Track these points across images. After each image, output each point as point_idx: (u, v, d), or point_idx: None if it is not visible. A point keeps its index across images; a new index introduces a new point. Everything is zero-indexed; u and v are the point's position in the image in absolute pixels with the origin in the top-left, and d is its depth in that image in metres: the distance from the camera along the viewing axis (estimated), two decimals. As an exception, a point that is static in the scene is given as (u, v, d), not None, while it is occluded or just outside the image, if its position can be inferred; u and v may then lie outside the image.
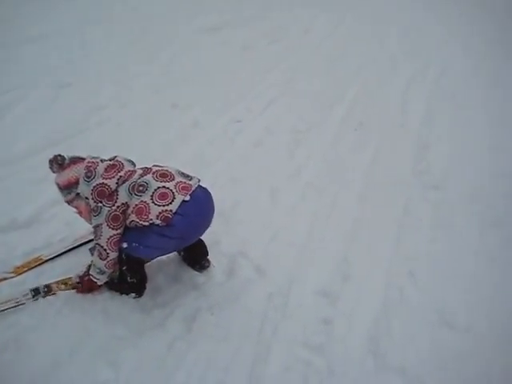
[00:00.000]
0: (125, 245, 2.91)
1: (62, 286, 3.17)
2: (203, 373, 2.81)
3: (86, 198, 2.92)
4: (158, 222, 2.80)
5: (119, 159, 3.06)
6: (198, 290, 3.29)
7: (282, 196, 4.29)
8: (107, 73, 6.10)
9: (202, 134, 5.11)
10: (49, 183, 4.03)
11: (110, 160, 3.05)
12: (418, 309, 3.32)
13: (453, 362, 2.98)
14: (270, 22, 8.17)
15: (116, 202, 2.87)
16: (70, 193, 2.97)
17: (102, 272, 3.01)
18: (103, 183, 2.88)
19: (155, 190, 2.85)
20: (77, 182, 2.92)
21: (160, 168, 3.06)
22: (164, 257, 3.35)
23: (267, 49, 7.24)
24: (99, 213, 2.87)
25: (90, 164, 2.95)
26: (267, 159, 4.80)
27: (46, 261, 3.41)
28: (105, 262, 2.94)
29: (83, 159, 2.98)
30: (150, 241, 2.87)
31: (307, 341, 3.02)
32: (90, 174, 2.91)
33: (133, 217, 2.85)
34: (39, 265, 3.37)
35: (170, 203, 2.83)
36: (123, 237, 2.92)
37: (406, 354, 3.01)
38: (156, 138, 4.98)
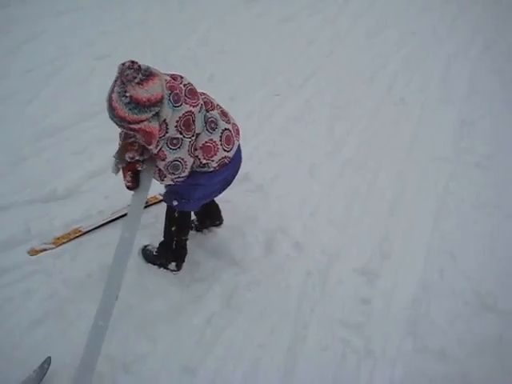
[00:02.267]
0: (175, 202, 2.89)
1: None
2: (240, 348, 2.82)
3: (165, 121, 2.46)
4: (216, 165, 2.76)
5: (190, 81, 2.71)
6: (236, 266, 3.27)
7: (322, 171, 4.23)
8: (144, 45, 6.05)
9: (240, 108, 5.00)
10: (87, 155, 4.12)
11: (181, 80, 2.65)
12: (458, 291, 3.27)
13: (493, 347, 2.94)
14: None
15: (194, 132, 2.60)
16: (147, 111, 2.34)
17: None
18: (190, 111, 2.54)
19: (222, 131, 2.74)
20: (160, 101, 2.38)
21: (217, 103, 2.88)
22: (202, 234, 3.42)
23: (307, 21, 7.08)
24: (180, 145, 2.55)
25: (173, 85, 2.49)
26: (306, 134, 4.73)
27: (85, 233, 3.43)
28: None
29: (156, 75, 2.38)
30: (197, 193, 2.86)
31: (345, 320, 3.01)
32: (176, 98, 2.47)
33: (198, 152, 2.68)
34: (78, 236, 3.39)
35: (231, 149, 2.80)
36: (172, 195, 2.89)
37: (445, 336, 2.98)
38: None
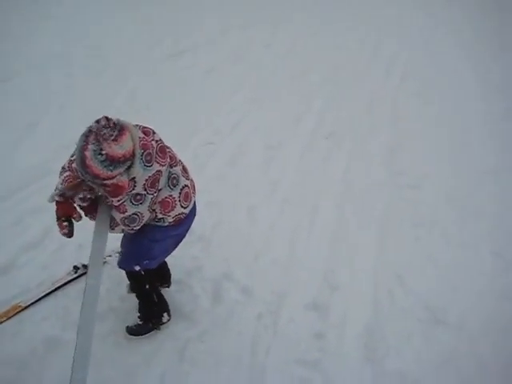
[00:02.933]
0: (137, 268, 2.86)
1: None
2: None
3: (134, 179, 2.44)
4: (171, 221, 2.75)
5: (160, 137, 2.74)
6: (186, 319, 3.21)
7: (261, 214, 4.25)
8: (71, 109, 5.99)
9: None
10: (22, 227, 3.98)
11: (153, 136, 2.65)
12: (410, 309, 3.33)
13: (450, 360, 2.98)
14: (229, 43, 8.15)
15: (157, 189, 2.57)
16: (121, 167, 2.31)
17: None
18: (160, 171, 2.53)
19: (182, 187, 2.73)
20: (130, 158, 2.34)
21: (179, 159, 2.87)
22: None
23: (231, 69, 7.20)
24: (143, 201, 2.52)
25: (146, 144, 2.45)
26: (242, 178, 4.75)
27: (25, 307, 3.29)
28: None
29: (126, 128, 2.34)
30: (155, 251, 2.85)
31: (302, 358, 2.98)
32: (149, 158, 2.45)
33: (156, 206, 2.66)
34: (18, 312, 3.25)
35: (188, 206, 2.82)
36: (130, 260, 2.87)
37: (402, 356, 3.01)
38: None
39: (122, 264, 2.95)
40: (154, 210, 2.66)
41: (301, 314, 3.27)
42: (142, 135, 2.49)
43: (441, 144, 5.28)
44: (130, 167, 2.38)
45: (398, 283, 3.52)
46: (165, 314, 3.14)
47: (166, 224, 2.75)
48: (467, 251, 3.82)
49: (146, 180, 2.47)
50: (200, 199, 4.34)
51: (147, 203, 2.55)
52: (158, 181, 2.54)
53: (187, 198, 2.79)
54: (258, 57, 7.60)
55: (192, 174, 4.64)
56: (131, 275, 3.03)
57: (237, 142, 5.39)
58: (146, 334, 3.09)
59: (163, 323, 3.13)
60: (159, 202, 2.65)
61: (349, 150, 5.20)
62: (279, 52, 7.77)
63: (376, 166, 4.90)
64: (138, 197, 2.51)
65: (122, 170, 2.33)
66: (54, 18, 8.19)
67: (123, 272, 3.44)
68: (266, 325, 3.18)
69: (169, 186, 2.66)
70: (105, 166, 2.25)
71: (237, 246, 3.86)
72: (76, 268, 3.54)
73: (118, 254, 3.55)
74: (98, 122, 2.28)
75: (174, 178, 2.69)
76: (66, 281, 3.48)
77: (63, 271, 3.56)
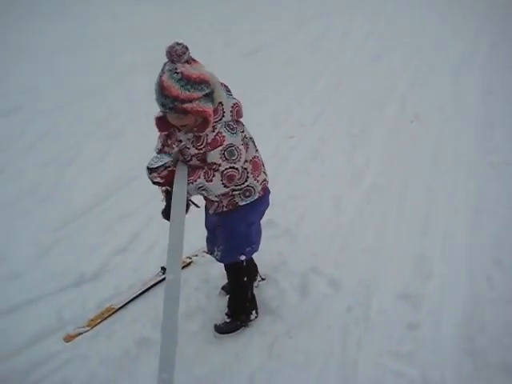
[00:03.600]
0: (243, 257, 2.85)
1: None
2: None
3: (221, 103, 2.41)
4: (260, 190, 2.73)
5: None
6: (273, 314, 3.14)
7: (347, 203, 4.14)
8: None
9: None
10: (110, 234, 4.10)
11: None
12: (511, 297, 3.07)
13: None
14: (306, 34, 8.06)
15: (243, 125, 2.58)
16: (198, 89, 2.28)
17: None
18: (238, 104, 2.54)
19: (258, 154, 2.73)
20: (207, 82, 2.32)
21: None
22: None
23: (309, 60, 7.12)
24: (236, 132, 2.45)
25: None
26: (326, 169, 4.66)
27: (118, 309, 3.36)
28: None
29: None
30: (252, 236, 2.86)
31: (395, 350, 2.83)
32: (228, 89, 2.56)
33: (247, 165, 2.60)
34: (111, 314, 3.33)
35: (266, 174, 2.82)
36: (233, 250, 2.83)
37: (506, 349, 2.78)
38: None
39: (226, 258, 2.90)
40: (245, 170, 2.58)
41: (392, 304, 3.13)
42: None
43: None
44: (211, 94, 2.37)
45: (497, 268, 3.30)
46: (253, 312, 3.09)
47: (256, 196, 2.70)
48: None
49: (232, 107, 2.46)
50: (283, 193, 4.35)
51: (239, 137, 2.46)
52: (241, 113, 2.54)
53: (263, 165, 2.77)
54: (335, 45, 7.46)
55: (275, 169, 4.66)
56: (232, 269, 2.98)
57: (319, 132, 5.30)
58: (234, 331, 3.06)
59: (251, 320, 3.08)
60: (250, 161, 2.61)
61: (436, 131, 4.98)
62: (357, 39, 7.59)
63: (467, 145, 4.67)
64: (231, 126, 2.43)
65: (200, 93, 2.29)
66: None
67: (210, 270, 3.47)
68: (356, 317, 3.06)
69: (253, 144, 2.66)
70: (182, 86, 2.24)
71: (323, 238, 3.77)
72: (164, 269, 3.57)
73: (204, 254, 3.59)
74: (170, 45, 2.28)
75: (252, 140, 2.67)
76: (155, 282, 3.53)
77: (152, 273, 3.61)
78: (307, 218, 4.03)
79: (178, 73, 2.24)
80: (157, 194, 4.50)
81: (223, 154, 2.42)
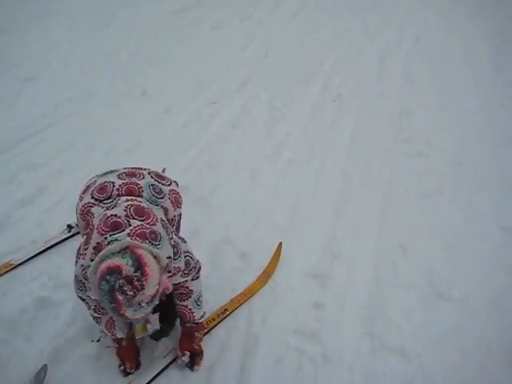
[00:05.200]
0: None
1: None
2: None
3: (168, 257, 2.09)
4: None
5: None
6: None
7: (264, 176, 4.12)
8: (73, 63, 5.85)
9: (175, 119, 4.90)
10: (17, 183, 3.88)
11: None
12: (412, 283, 3.19)
13: (452, 336, 2.86)
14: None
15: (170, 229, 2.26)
16: (157, 295, 1.91)
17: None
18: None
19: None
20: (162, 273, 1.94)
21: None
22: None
23: (238, 27, 6.99)
24: (179, 246, 2.25)
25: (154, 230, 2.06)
26: (245, 140, 4.62)
27: (17, 265, 3.20)
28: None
29: (142, 259, 1.84)
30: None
31: (299, 328, 2.87)
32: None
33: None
34: (9, 270, 3.17)
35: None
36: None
37: (402, 332, 2.88)
38: (127, 127, 4.78)
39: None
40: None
41: (300, 281, 3.16)
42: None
43: (451, 112, 5.08)
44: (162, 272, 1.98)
45: (402, 255, 3.39)
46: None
47: None
48: (474, 224, 3.66)
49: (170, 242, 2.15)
50: (200, 159, 4.29)
51: (180, 241, 2.30)
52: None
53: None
54: (266, 15, 7.37)
55: (194, 134, 4.58)
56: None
57: (241, 101, 5.24)
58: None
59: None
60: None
61: (356, 114, 5.04)
62: (289, 11, 7.53)
63: (384, 132, 4.74)
64: (175, 250, 2.19)
65: (160, 288, 1.93)
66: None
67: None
68: (264, 292, 3.07)
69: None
70: (149, 308, 1.88)
71: (237, 209, 3.75)
72: (70, 227, 3.44)
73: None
74: (124, 292, 1.78)
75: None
76: (60, 239, 3.39)
77: (57, 230, 3.46)
78: (222, 187, 3.99)
79: (143, 306, 1.83)
80: (69, 146, 4.33)
81: (183, 272, 2.33)
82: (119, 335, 2.44)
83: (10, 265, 3.20)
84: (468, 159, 4.34)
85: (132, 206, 2.11)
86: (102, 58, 6.05)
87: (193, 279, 2.43)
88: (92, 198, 2.21)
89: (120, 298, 1.78)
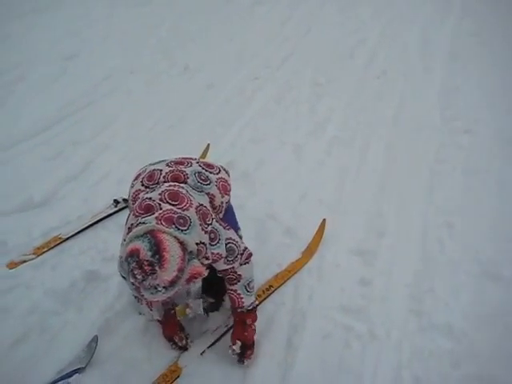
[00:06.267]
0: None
1: None
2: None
3: (199, 243, 2.09)
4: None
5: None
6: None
7: (308, 152, 4.10)
8: (113, 40, 5.88)
9: (218, 95, 4.90)
10: (62, 159, 3.94)
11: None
12: (460, 262, 3.13)
13: (500, 316, 2.80)
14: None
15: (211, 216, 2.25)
16: (180, 279, 1.93)
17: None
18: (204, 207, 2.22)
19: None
20: (185, 259, 1.95)
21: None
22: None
23: (280, 2, 6.91)
24: (218, 233, 2.23)
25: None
26: (289, 115, 4.59)
27: (65, 239, 3.26)
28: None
29: (161, 244, 1.88)
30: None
31: (346, 304, 2.85)
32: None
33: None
34: (58, 244, 3.22)
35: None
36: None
37: (450, 310, 2.84)
38: (170, 104, 4.80)
39: None
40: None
41: (346, 258, 3.14)
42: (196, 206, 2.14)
43: (498, 87, 4.93)
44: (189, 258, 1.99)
45: (449, 232, 3.33)
46: None
47: None
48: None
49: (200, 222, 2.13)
50: (244, 135, 4.28)
51: (221, 228, 2.26)
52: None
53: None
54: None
55: (237, 109, 4.57)
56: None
57: (284, 77, 5.21)
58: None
59: None
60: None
61: (401, 90, 4.94)
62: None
63: (429, 109, 4.64)
64: (212, 235, 2.20)
65: (185, 273, 1.96)
66: None
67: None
68: (310, 269, 3.06)
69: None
70: (169, 292, 1.91)
71: (282, 185, 3.74)
72: (116, 202, 3.48)
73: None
74: (134, 276, 1.85)
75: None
76: (106, 214, 3.44)
77: (103, 205, 3.51)
78: (266, 163, 3.98)
79: (159, 290, 1.87)
80: (111, 123, 4.36)
81: (227, 259, 2.31)
82: (155, 316, 2.50)
83: (59, 239, 3.26)
84: (516, 136, 4.22)
85: (168, 190, 2.15)
86: (141, 35, 6.06)
87: (241, 264, 2.42)
88: (142, 185, 2.28)
89: (131, 280, 1.85)
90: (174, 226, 1.97)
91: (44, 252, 3.16)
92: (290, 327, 2.74)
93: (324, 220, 3.29)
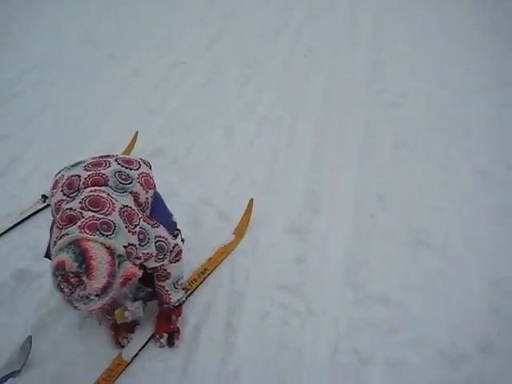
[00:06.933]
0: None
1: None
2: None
3: (127, 245, 2.05)
4: None
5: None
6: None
7: (238, 135, 4.09)
8: (34, 29, 5.69)
9: (145, 81, 4.81)
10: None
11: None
12: (392, 233, 3.20)
13: (433, 282, 2.89)
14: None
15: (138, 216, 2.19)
16: (113, 284, 1.88)
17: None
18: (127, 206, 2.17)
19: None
20: (114, 264, 1.90)
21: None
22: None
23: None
24: (147, 232, 2.19)
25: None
26: (217, 98, 4.56)
27: (-7, 239, 3.14)
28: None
29: (87, 253, 1.83)
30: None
31: (283, 283, 2.87)
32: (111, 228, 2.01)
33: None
34: (-14, 245, 3.11)
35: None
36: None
37: (385, 280, 2.91)
38: (95, 93, 4.68)
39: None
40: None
41: (281, 237, 3.16)
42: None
43: (423, 61, 5.04)
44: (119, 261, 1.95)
45: (380, 205, 3.40)
46: None
47: None
48: (451, 171, 3.67)
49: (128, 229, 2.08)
50: (173, 120, 4.23)
51: (149, 227, 2.22)
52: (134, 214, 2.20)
53: None
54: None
55: (165, 95, 4.51)
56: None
57: (212, 59, 5.16)
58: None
59: None
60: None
61: (328, 67, 4.98)
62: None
63: (357, 84, 4.70)
64: (141, 236, 2.15)
65: (117, 278, 1.91)
66: None
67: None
68: (245, 250, 3.06)
69: None
70: (103, 299, 1.87)
71: (213, 169, 3.72)
72: (44, 197, 3.37)
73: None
74: (61, 290, 1.80)
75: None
76: (35, 210, 3.33)
77: (31, 200, 3.40)
78: (197, 147, 3.95)
79: (91, 299, 1.82)
80: (38, 115, 4.23)
81: (157, 258, 2.29)
82: (99, 323, 2.54)
83: (-15, 238, 3.14)
84: (441, 107, 4.33)
85: (88, 197, 2.09)
86: (65, 23, 5.88)
87: (171, 262, 2.40)
88: (63, 194, 2.18)
89: (60, 294, 1.81)
90: (98, 233, 1.92)
91: (-32, 256, 3.04)
92: (229, 309, 2.74)
93: (251, 200, 3.29)
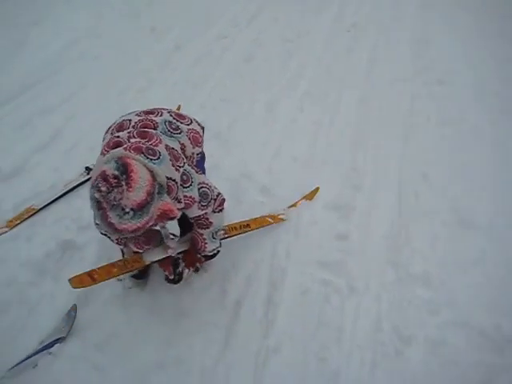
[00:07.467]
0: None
1: None
2: (219, 305, 2.67)
3: (169, 178, 2.01)
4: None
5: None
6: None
7: (280, 110, 4.06)
8: (76, 3, 5.71)
9: (187, 55, 4.80)
10: (30, 129, 3.85)
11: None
12: (435, 212, 3.16)
13: (476, 264, 2.85)
14: None
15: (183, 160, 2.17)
16: (150, 206, 1.84)
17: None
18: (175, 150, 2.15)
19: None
20: (154, 187, 1.86)
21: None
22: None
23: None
24: (191, 176, 2.17)
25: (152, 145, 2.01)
26: (260, 73, 4.53)
27: (39, 210, 3.19)
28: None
29: (132, 163, 1.82)
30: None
31: (324, 259, 2.86)
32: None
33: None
34: (32, 215, 3.16)
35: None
36: None
37: (427, 260, 2.87)
38: (138, 67, 4.69)
39: None
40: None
41: (323, 213, 3.14)
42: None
43: (470, 37, 4.91)
44: (161, 192, 1.93)
45: (424, 184, 3.35)
46: None
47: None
48: (497, 150, 3.60)
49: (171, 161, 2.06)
50: (215, 95, 4.22)
51: (193, 171, 2.20)
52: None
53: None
54: None
55: (207, 69, 4.49)
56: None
57: (253, 35, 5.12)
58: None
59: None
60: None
61: (372, 42, 4.89)
62: None
63: (401, 60, 4.61)
64: (185, 177, 2.13)
65: (154, 204, 1.87)
66: None
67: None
68: (287, 226, 3.05)
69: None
70: (138, 218, 1.82)
71: (255, 144, 3.70)
72: (88, 169, 3.42)
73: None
74: (98, 189, 1.76)
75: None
76: (79, 182, 3.37)
77: (75, 173, 3.45)
78: (239, 122, 3.94)
79: (127, 212, 1.78)
80: (80, 89, 4.27)
81: (201, 204, 2.27)
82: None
83: (32, 210, 3.19)
84: (489, 85, 4.22)
85: (137, 129, 2.10)
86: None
87: (214, 211, 2.38)
88: (112, 135, 2.15)
89: (96, 195, 1.75)
90: (143, 155, 1.89)
91: (17, 224, 3.10)
92: (270, 284, 2.74)
93: (317, 188, 3.28)
